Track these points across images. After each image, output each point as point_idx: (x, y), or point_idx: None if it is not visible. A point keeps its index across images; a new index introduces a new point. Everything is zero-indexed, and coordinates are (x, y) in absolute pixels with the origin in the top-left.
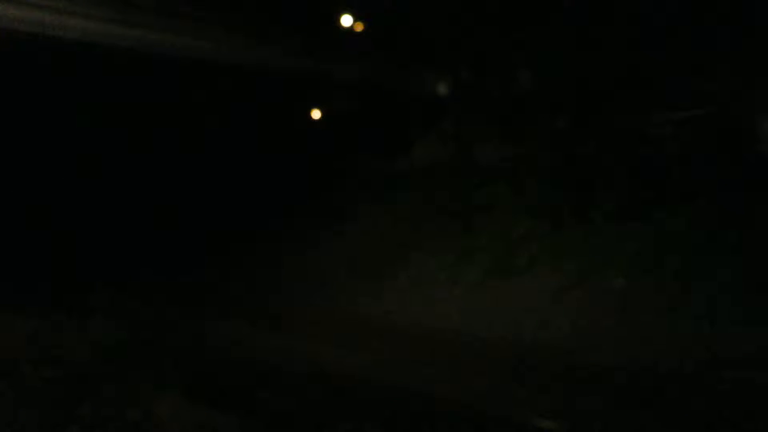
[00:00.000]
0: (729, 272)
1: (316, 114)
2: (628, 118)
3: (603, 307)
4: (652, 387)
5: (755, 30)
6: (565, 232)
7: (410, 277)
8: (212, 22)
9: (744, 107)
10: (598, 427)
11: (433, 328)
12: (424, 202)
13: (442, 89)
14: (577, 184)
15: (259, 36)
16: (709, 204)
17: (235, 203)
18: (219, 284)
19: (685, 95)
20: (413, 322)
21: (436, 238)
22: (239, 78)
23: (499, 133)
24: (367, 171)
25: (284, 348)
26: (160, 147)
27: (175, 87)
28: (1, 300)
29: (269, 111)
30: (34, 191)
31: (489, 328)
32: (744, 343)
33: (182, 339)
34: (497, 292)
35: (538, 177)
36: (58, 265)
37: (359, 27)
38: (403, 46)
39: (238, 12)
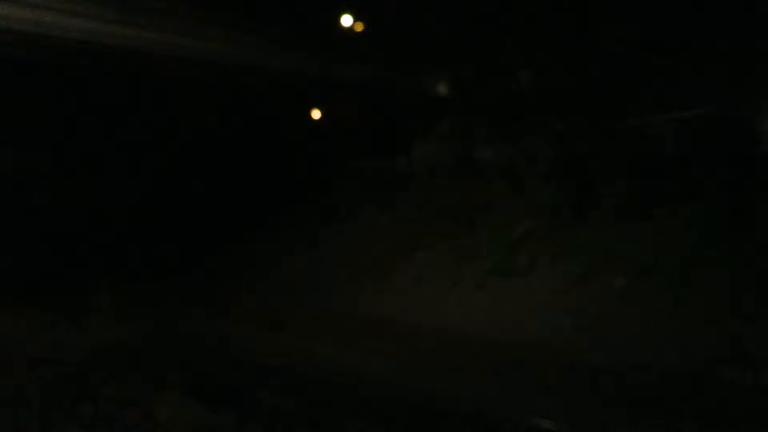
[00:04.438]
0: (729, 272)
1: (316, 114)
2: (628, 117)
3: (603, 307)
4: (652, 387)
5: (755, 30)
6: (565, 232)
7: (410, 277)
8: (212, 22)
9: (744, 107)
10: (598, 427)
11: (434, 328)
12: (424, 202)
13: (442, 89)
14: (577, 184)
15: (259, 36)
16: (709, 204)
17: (235, 203)
18: (219, 284)
19: (685, 95)
20: (413, 322)
21: (436, 238)
22: (238, 78)
23: (499, 133)
24: (368, 171)
25: (284, 347)
26: (158, 147)
27: (173, 87)
28: (1, 300)
29: (269, 111)
30: (31, 193)
31: (489, 328)
32: (744, 343)
33: (181, 339)
34: (497, 292)
35: (538, 177)
36: (57, 265)
37: (359, 27)
38: (403, 46)
39: (238, 12)
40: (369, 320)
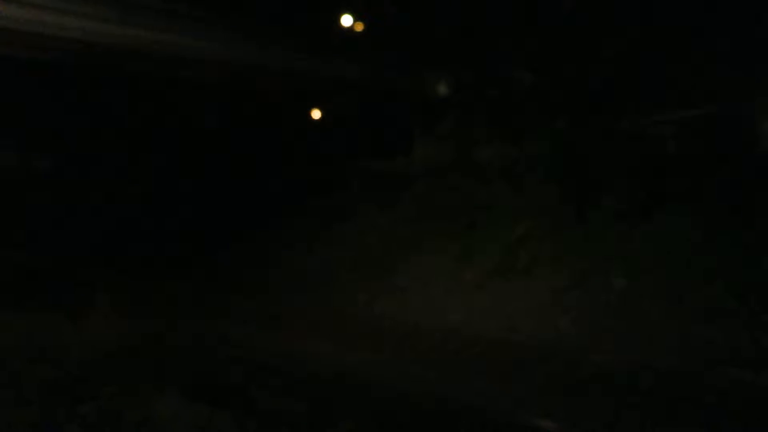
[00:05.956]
0: (729, 272)
1: (316, 114)
2: (628, 117)
3: (603, 307)
4: (652, 386)
5: (755, 29)
6: (565, 232)
7: (410, 277)
8: (212, 22)
9: (744, 107)
10: (598, 427)
11: (433, 328)
12: (424, 202)
13: (442, 89)
14: (577, 184)
15: (259, 36)
16: (709, 204)
17: (235, 203)
18: (219, 283)
19: (685, 95)
20: (413, 322)
21: (436, 238)
22: (239, 78)
23: (499, 133)
24: (368, 171)
25: (283, 347)
26: (158, 146)
27: (173, 87)
28: (1, 300)
29: (269, 110)
30: (31, 192)
31: (489, 327)
32: (744, 343)
33: (181, 339)
34: (497, 292)
35: (538, 177)
36: (58, 264)
37: (359, 27)
38: (403, 46)
39: (238, 12)
40: (369, 320)
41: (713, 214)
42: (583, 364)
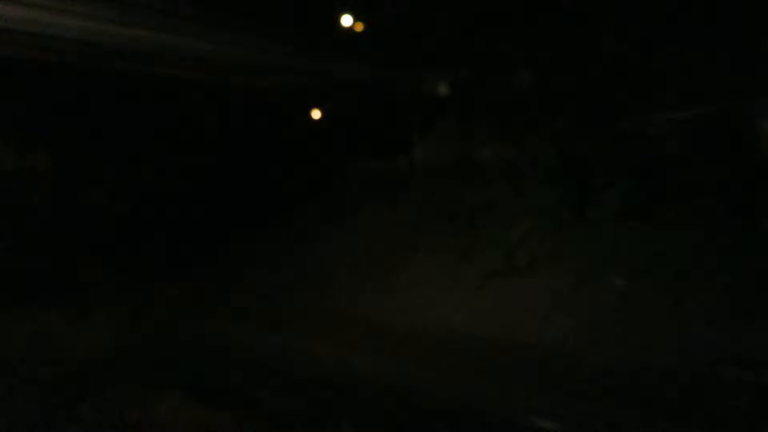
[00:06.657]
0: (729, 272)
1: (316, 114)
2: (628, 117)
3: (603, 307)
4: (652, 386)
5: (755, 30)
6: (565, 232)
7: (410, 277)
8: (212, 22)
9: (744, 107)
10: (598, 427)
11: (434, 328)
12: (424, 202)
13: (442, 89)
14: (577, 184)
15: (259, 36)
16: (709, 204)
17: (235, 203)
18: (219, 284)
19: (685, 95)
20: (413, 322)
21: (436, 238)
22: (238, 78)
23: (499, 133)
24: (368, 171)
25: (284, 347)
26: (158, 146)
27: (173, 87)
28: (1, 300)
29: (269, 110)
30: (31, 193)
31: (489, 328)
32: (744, 343)
33: (182, 339)
34: (497, 292)
35: (538, 177)
36: (58, 265)
37: (359, 27)
38: (403, 46)
39: (238, 12)
40: (369, 320)
41: (713, 214)
42: (583, 364)
